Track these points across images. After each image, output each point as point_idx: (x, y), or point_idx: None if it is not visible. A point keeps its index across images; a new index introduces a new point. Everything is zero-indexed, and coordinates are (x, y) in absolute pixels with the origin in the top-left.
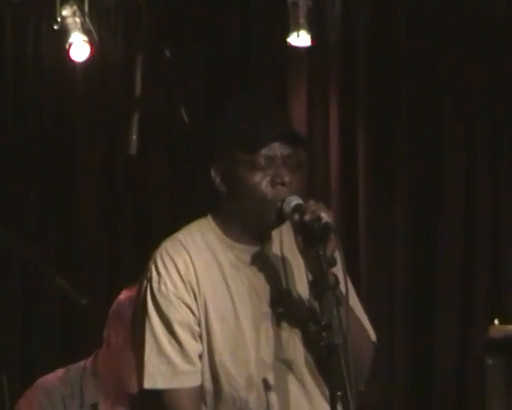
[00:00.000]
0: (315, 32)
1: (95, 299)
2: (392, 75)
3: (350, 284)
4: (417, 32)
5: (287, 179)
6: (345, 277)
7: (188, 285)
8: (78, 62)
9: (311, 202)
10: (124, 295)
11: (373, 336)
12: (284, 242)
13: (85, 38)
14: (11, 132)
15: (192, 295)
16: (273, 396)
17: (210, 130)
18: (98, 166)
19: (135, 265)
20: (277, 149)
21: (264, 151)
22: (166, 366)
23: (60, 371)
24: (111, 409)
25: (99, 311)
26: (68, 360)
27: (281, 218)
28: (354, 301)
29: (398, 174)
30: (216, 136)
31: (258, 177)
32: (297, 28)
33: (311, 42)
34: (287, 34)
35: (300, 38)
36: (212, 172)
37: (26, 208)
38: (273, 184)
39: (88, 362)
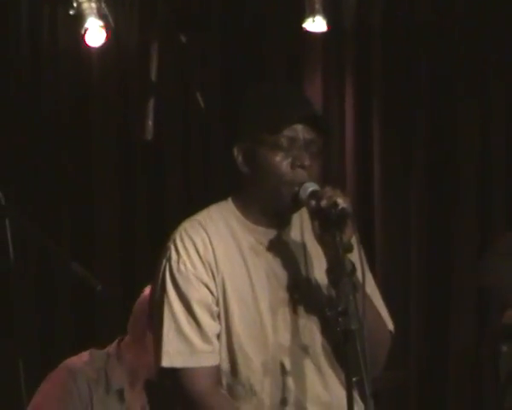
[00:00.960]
0: (330, 17)
1: (109, 285)
2: (407, 60)
3: (368, 271)
4: (432, 16)
5: (307, 163)
6: (361, 263)
7: (206, 265)
8: (94, 48)
9: (328, 188)
10: (148, 290)
11: (390, 325)
12: (305, 228)
13: (101, 24)
14: (27, 118)
15: (211, 274)
16: (289, 381)
17: (225, 115)
18: (113, 151)
19: (149, 252)
20: (300, 132)
21: (286, 132)
22: (184, 344)
23: (85, 356)
24: (138, 397)
25: (113, 297)
26: (84, 345)
27: (297, 203)
28: (372, 289)
29: (414, 158)
30: (239, 117)
31: (279, 157)
32: (313, 13)
33: (327, 27)
34: (302, 19)
35: (316, 24)
36: (235, 152)
37: (40, 195)
38: (293, 166)
39: (111, 349)
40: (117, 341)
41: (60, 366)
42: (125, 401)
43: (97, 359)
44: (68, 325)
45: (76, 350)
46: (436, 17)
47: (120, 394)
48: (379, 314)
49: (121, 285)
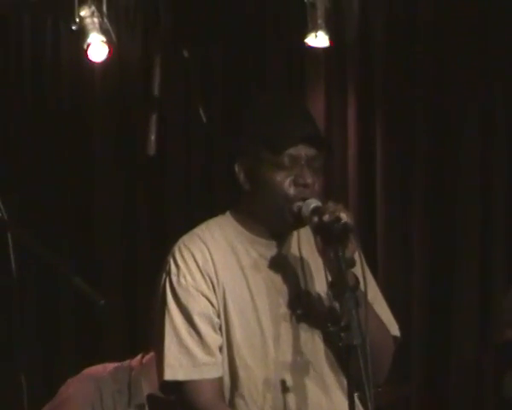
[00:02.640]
0: (332, 32)
1: (112, 300)
2: (410, 74)
3: (372, 278)
4: (434, 31)
5: (309, 181)
6: (364, 276)
7: (206, 277)
8: (97, 63)
9: (330, 204)
10: None
11: (394, 329)
12: (302, 242)
13: (103, 39)
14: (29, 133)
15: (211, 287)
16: (291, 397)
17: (227, 130)
18: (116, 166)
19: (151, 265)
20: (302, 149)
21: (288, 151)
22: (187, 357)
23: (110, 367)
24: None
25: (116, 312)
26: (86, 360)
27: (300, 220)
28: (375, 294)
29: (416, 169)
30: (241, 132)
31: (280, 176)
32: (315, 29)
33: (329, 42)
34: (304, 35)
35: (318, 39)
36: (237, 168)
37: (42, 209)
38: (295, 184)
39: (134, 362)
40: (140, 356)
41: (84, 374)
42: None
43: (122, 371)
44: (71, 339)
45: (79, 365)
46: (439, 31)
47: (141, 408)
48: (382, 323)
49: (123, 300)
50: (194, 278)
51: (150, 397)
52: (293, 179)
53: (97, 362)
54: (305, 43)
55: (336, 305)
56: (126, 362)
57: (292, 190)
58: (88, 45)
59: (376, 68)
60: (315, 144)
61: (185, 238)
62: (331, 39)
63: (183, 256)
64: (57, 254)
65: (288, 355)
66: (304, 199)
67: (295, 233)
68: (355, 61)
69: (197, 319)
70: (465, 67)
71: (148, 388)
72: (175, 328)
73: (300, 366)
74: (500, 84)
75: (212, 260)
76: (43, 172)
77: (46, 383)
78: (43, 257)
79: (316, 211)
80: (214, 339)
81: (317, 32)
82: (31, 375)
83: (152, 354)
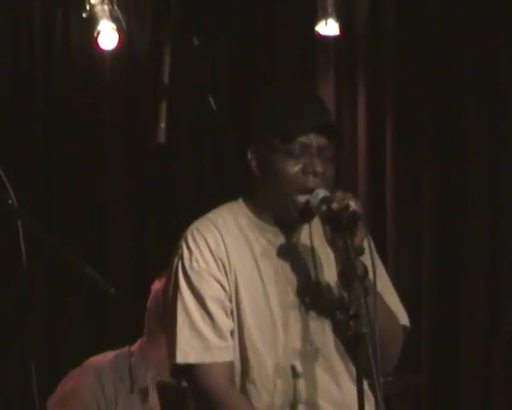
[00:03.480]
0: (343, 20)
1: (121, 288)
2: (420, 62)
3: (382, 267)
4: (445, 19)
5: (319, 169)
6: (373, 264)
7: (219, 261)
8: (107, 50)
9: (339, 192)
10: (157, 285)
11: (404, 319)
12: (314, 231)
13: (114, 26)
14: (39, 122)
15: (223, 271)
16: (301, 383)
17: (237, 118)
18: (125, 154)
19: (161, 254)
20: (313, 138)
21: (300, 139)
22: (198, 340)
23: (109, 355)
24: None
25: (126, 300)
26: (96, 349)
27: (308, 211)
28: (385, 284)
29: (426, 159)
30: (253, 120)
31: (290, 164)
32: (325, 17)
33: (339, 30)
34: (314, 23)
35: (328, 27)
36: (249, 156)
37: (52, 198)
38: (305, 172)
39: (134, 348)
40: (139, 340)
41: (85, 365)
42: (148, 400)
43: (122, 358)
44: (81, 327)
45: (88, 352)
46: (450, 18)
47: (144, 393)
48: (391, 312)
49: (133, 289)
50: (206, 262)
51: (160, 385)
52: (303, 168)
53: (106, 350)
54: (315, 32)
55: (345, 294)
56: (125, 348)
57: (301, 179)
58: (98, 33)
59: (386, 57)
60: (326, 133)
61: (197, 223)
62: (341, 27)
63: (195, 240)
64: (67, 243)
65: (297, 342)
66: (311, 190)
67: (306, 224)
68: (365, 49)
69: (209, 303)
70: (477, 51)
71: (150, 373)
72: (187, 311)
73: (310, 353)
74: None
75: (225, 244)
76: (53, 160)
77: (55, 371)
78: (54, 245)
79: (324, 200)
80: (226, 323)
81: (327, 20)
82: (40, 363)
83: (147, 339)
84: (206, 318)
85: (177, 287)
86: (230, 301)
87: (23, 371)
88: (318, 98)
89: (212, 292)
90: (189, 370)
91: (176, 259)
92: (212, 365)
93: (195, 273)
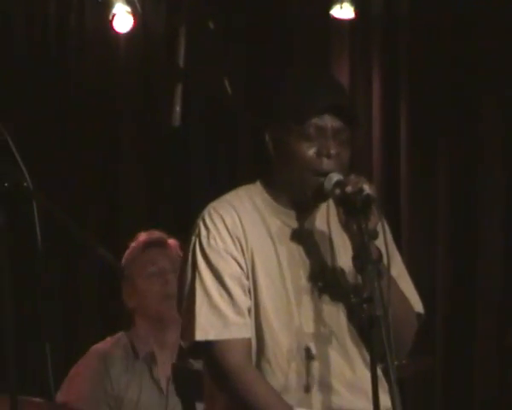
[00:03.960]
0: (358, 3)
1: None
2: (435, 47)
3: (397, 253)
4: (461, 3)
5: (333, 151)
6: (386, 247)
7: (236, 240)
8: (122, 33)
9: (353, 176)
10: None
11: (419, 306)
12: (331, 215)
13: (128, 9)
14: (53, 104)
15: (240, 249)
16: (315, 365)
17: (252, 101)
18: (140, 138)
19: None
20: (328, 120)
21: (314, 121)
22: (217, 317)
23: (109, 340)
24: (169, 356)
25: None
26: (109, 329)
27: (322, 194)
28: (399, 271)
29: (440, 143)
30: (270, 103)
31: (305, 146)
32: (340, 0)
33: (354, 14)
34: (330, 6)
35: (344, 10)
36: (266, 138)
37: (67, 182)
38: (319, 154)
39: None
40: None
41: (89, 352)
42: (156, 362)
43: (122, 338)
44: (94, 309)
45: (102, 334)
46: (466, 2)
47: (151, 356)
48: (405, 297)
49: None
50: (223, 241)
51: (174, 367)
52: (317, 150)
53: (119, 330)
54: (330, 15)
55: (359, 278)
56: (122, 332)
57: (315, 161)
58: (113, 16)
59: (401, 40)
60: (341, 116)
61: (214, 203)
62: (356, 11)
63: (212, 219)
64: (82, 226)
65: (311, 325)
66: (326, 172)
67: (324, 207)
68: (380, 32)
69: (228, 281)
70: (492, 36)
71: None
72: (206, 289)
73: (324, 335)
74: None
75: (242, 223)
76: (67, 145)
77: (69, 351)
78: (68, 227)
79: (338, 184)
80: (244, 300)
81: (342, 3)
82: (54, 344)
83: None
84: (225, 295)
85: (194, 265)
86: (247, 279)
87: (38, 353)
88: (334, 80)
89: (230, 270)
90: (209, 347)
91: (193, 237)
92: (231, 341)
93: (213, 251)
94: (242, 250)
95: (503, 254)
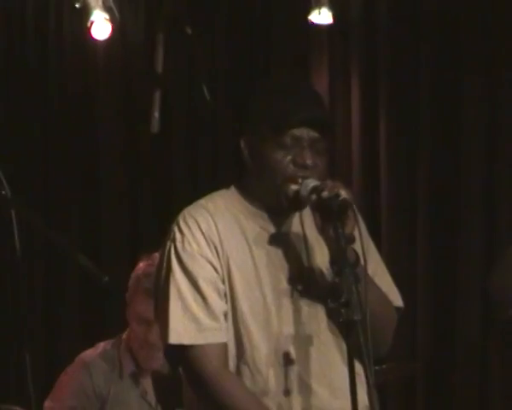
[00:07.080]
0: (336, 8)
1: (117, 277)
2: (414, 52)
3: (375, 251)
4: (440, 10)
5: (309, 162)
6: (363, 251)
7: (211, 244)
8: (100, 40)
9: (329, 181)
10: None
11: (398, 301)
12: (305, 218)
13: (107, 16)
14: (33, 111)
15: (215, 253)
16: (294, 368)
17: (231, 107)
18: (120, 144)
19: (158, 244)
20: (305, 131)
21: (291, 132)
22: (191, 321)
23: (100, 347)
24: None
25: (121, 289)
26: (91, 338)
27: (299, 201)
28: (377, 266)
29: (421, 151)
30: (247, 110)
31: (280, 155)
32: (318, 5)
33: (333, 19)
34: (308, 11)
35: (322, 16)
36: (242, 144)
37: (47, 188)
38: (294, 163)
39: (124, 335)
40: (129, 328)
41: (76, 360)
42: (140, 382)
43: (110, 350)
44: (76, 317)
45: (83, 343)
46: (445, 9)
47: (134, 377)
48: (383, 295)
49: (128, 276)
50: (198, 245)
51: (155, 374)
52: (293, 159)
53: (102, 339)
54: (308, 20)
55: (337, 281)
56: (117, 337)
57: (290, 169)
58: (91, 23)
59: (380, 46)
60: (318, 127)
61: (189, 208)
62: (335, 16)
63: (187, 224)
64: (61, 231)
65: (290, 328)
66: (302, 178)
67: (298, 213)
68: (359, 38)
69: (202, 285)
70: (473, 38)
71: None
72: (180, 293)
73: (303, 338)
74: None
75: (217, 228)
76: (47, 148)
77: (50, 361)
78: (48, 235)
79: (314, 189)
80: (219, 305)
81: (320, 8)
82: (35, 354)
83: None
84: (199, 299)
85: (169, 269)
86: (223, 283)
87: (19, 363)
88: (313, 91)
89: (205, 273)
90: (183, 352)
91: (168, 242)
92: (206, 346)
93: (188, 255)
94: (218, 254)
95: (484, 254)
